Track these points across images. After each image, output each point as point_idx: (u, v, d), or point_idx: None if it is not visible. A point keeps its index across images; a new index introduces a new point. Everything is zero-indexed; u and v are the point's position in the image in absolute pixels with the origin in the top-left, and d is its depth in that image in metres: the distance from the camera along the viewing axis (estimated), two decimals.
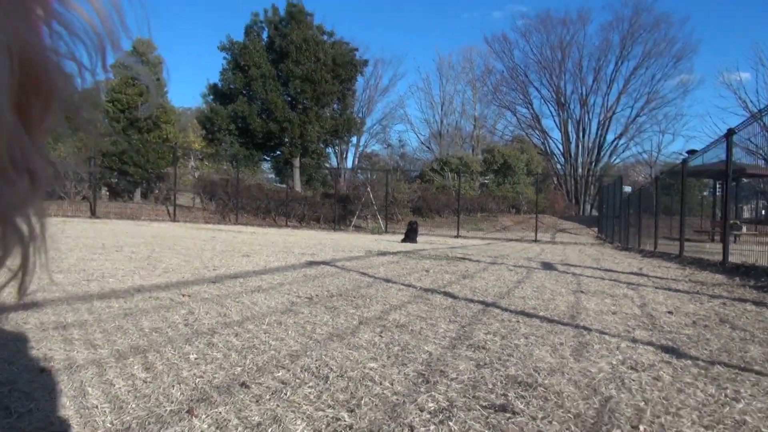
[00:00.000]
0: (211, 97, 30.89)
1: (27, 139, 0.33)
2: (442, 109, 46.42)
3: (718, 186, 15.70)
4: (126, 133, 23.41)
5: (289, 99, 29.96)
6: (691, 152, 11.15)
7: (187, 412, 1.43)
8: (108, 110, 24.05)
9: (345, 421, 1.44)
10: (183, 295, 3.32)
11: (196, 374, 1.75)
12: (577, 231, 25.11)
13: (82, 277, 3.93)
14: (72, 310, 2.70)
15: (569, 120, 44.95)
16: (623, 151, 46.17)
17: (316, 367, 1.89)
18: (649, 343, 2.48)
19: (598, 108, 44.32)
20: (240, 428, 1.35)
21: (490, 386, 1.75)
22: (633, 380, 1.86)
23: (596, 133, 44.49)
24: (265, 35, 30.63)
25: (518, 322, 2.92)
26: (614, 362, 2.10)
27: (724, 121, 46.31)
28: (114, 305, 2.90)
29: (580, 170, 44.22)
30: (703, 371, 2.03)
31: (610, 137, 44.96)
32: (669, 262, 9.11)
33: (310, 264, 5.85)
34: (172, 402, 1.50)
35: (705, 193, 20.19)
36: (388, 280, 4.65)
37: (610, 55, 43.41)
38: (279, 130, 28.82)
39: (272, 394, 1.60)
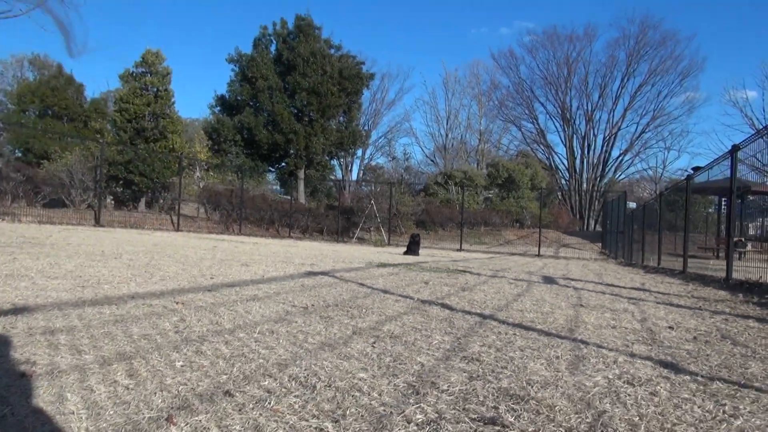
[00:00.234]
0: (218, 108, 31.06)
1: None
2: (447, 123, 46.54)
3: (723, 203, 15.61)
4: (132, 142, 23.52)
5: (295, 111, 30.08)
6: (696, 169, 11.08)
7: (166, 419, 1.40)
8: (116, 120, 24.22)
9: (328, 431, 1.40)
10: (176, 303, 3.29)
11: (180, 381, 1.72)
12: (581, 246, 24.97)
13: (77, 283, 3.91)
14: (62, 316, 2.67)
15: (574, 135, 45.00)
16: (628, 167, 46.16)
17: (305, 377, 1.85)
18: (648, 358, 2.43)
19: (603, 124, 44.39)
20: None
21: (481, 398, 1.70)
22: (629, 395, 1.81)
23: (601, 149, 44.51)
24: (273, 48, 30.84)
25: (515, 334, 2.87)
26: (610, 376, 2.05)
27: (730, 138, 46.10)
28: (105, 311, 2.87)
29: (584, 185, 44.13)
30: (701, 387, 1.98)
31: (615, 153, 44.99)
32: (672, 277, 9.02)
33: (309, 274, 5.81)
34: (152, 409, 1.46)
35: (710, 210, 20.07)
36: (386, 291, 4.60)
37: (616, 72, 43.56)
38: (284, 142, 28.91)
39: (256, 402, 1.56)
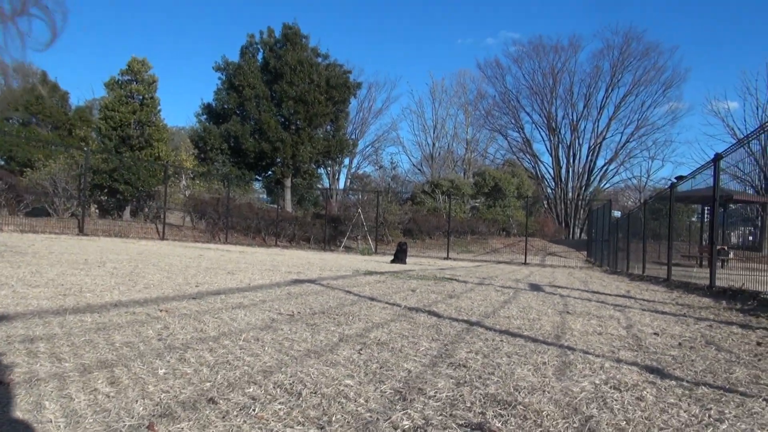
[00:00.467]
0: (205, 116, 30.91)
1: None
2: (434, 132, 46.80)
3: (706, 211, 15.81)
4: (117, 150, 23.26)
5: (282, 119, 30.04)
6: (680, 178, 11.22)
7: (147, 427, 1.36)
8: (101, 127, 23.96)
9: None
10: (160, 311, 3.24)
11: (162, 389, 1.68)
12: (567, 254, 25.13)
13: (59, 291, 3.84)
14: (43, 324, 2.61)
15: (560, 145, 45.39)
16: (613, 176, 46.61)
17: (290, 384, 1.82)
18: (634, 364, 2.44)
19: (588, 133, 44.83)
20: None
21: (469, 404, 1.69)
22: (615, 400, 1.81)
23: (586, 158, 44.92)
24: (260, 56, 30.83)
25: (502, 341, 2.86)
26: (597, 382, 2.05)
27: (712, 148, 46.98)
28: (87, 319, 2.81)
29: (570, 194, 44.48)
30: (687, 392, 1.98)
31: (600, 162, 45.42)
32: (657, 285, 9.09)
33: (296, 282, 5.77)
34: (132, 417, 1.43)
35: (693, 219, 20.32)
36: (372, 299, 4.58)
37: (600, 82, 44.09)
38: (271, 150, 28.82)
39: (240, 410, 1.53)
